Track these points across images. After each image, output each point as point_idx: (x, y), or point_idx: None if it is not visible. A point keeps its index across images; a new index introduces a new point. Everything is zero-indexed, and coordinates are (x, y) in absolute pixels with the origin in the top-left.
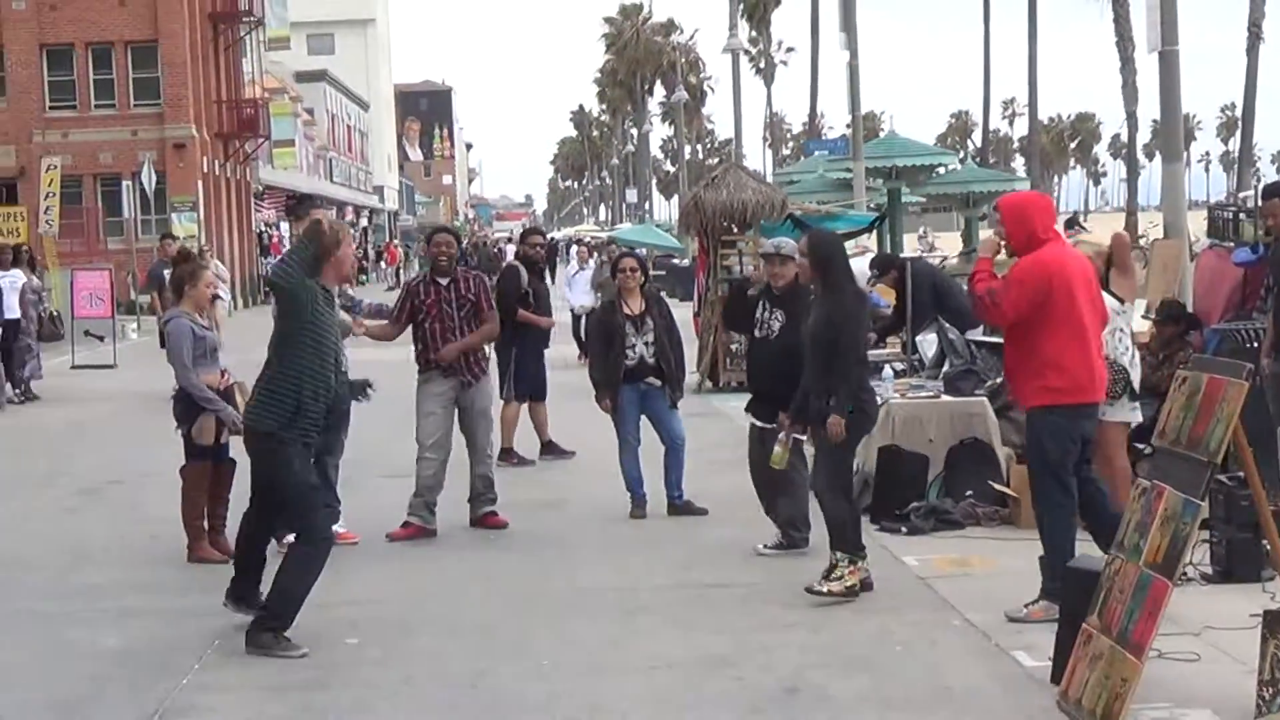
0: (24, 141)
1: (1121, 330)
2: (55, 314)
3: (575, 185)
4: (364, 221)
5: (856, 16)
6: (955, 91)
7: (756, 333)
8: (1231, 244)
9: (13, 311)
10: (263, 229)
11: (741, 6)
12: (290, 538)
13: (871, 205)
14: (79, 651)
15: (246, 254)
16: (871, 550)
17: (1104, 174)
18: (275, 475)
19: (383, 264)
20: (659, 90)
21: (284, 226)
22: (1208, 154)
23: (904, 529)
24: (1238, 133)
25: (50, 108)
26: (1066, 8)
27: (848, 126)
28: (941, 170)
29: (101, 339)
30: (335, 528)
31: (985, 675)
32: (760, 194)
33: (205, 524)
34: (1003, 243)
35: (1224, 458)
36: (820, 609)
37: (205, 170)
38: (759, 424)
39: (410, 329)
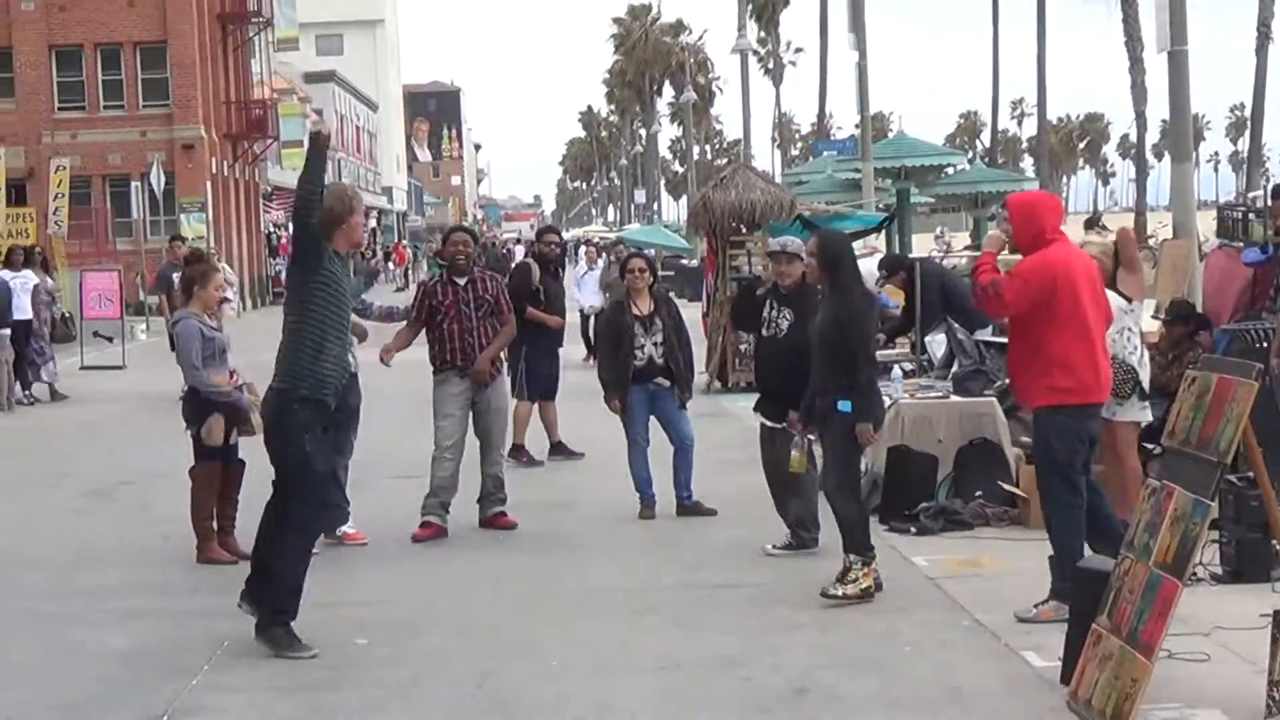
0: (33, 142)
1: (1130, 330)
2: (67, 315)
3: (584, 186)
4: (372, 222)
5: (865, 17)
6: (964, 92)
7: (764, 332)
8: (1241, 244)
9: (24, 312)
10: (271, 230)
11: (750, 7)
12: (342, 529)
13: (880, 206)
14: (87, 652)
15: (255, 255)
16: (880, 551)
17: (1113, 174)
18: (287, 448)
19: (391, 265)
20: (667, 91)
21: (293, 228)
22: (1217, 154)
23: (913, 529)
24: (1247, 133)
25: (59, 109)
26: (1075, 8)
27: (856, 127)
28: (950, 170)
29: (110, 340)
30: (345, 528)
31: (994, 676)
32: (769, 194)
33: (214, 525)
34: (1008, 240)
35: (1234, 458)
36: (829, 609)
37: (214, 171)
38: (768, 424)
39: (423, 329)
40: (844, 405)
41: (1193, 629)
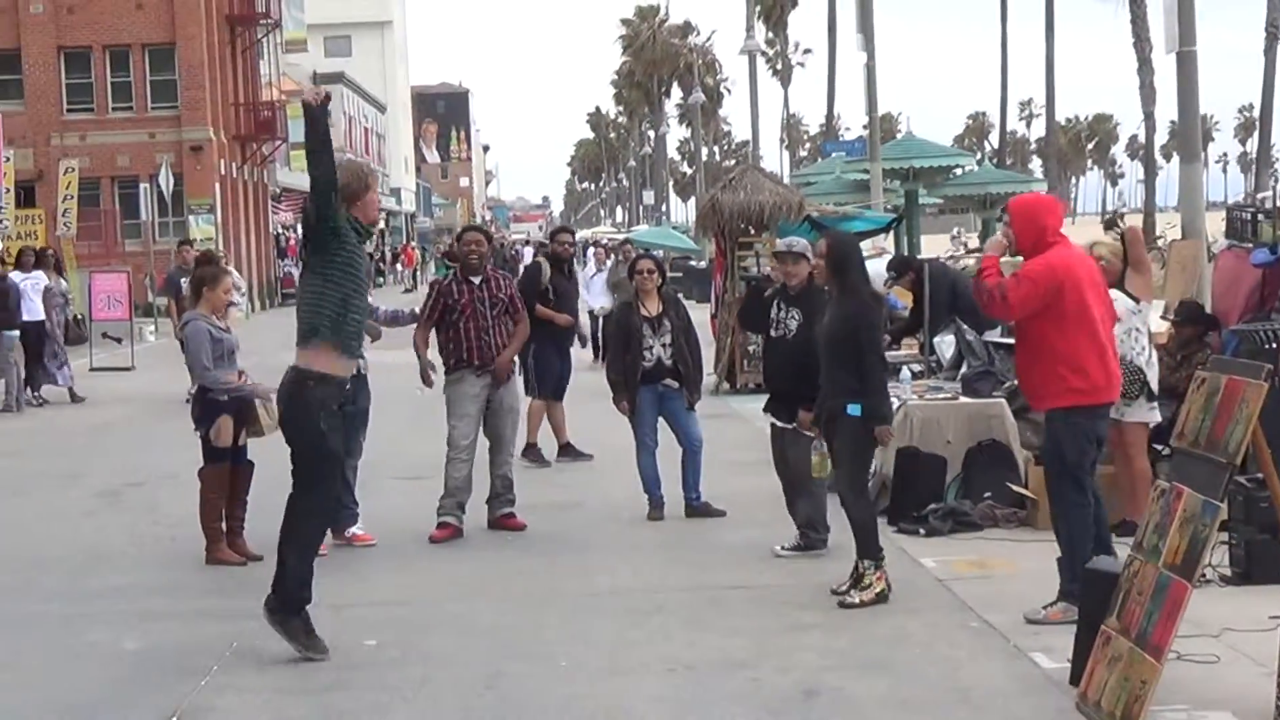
0: (42, 144)
1: (1138, 330)
2: (79, 317)
3: (592, 187)
4: (380, 223)
5: (874, 18)
6: (972, 93)
7: (773, 332)
8: (1250, 245)
9: (36, 314)
10: (280, 231)
11: (758, 8)
12: (351, 530)
13: (888, 206)
14: (98, 653)
15: (264, 256)
16: (889, 552)
17: (1121, 175)
18: (303, 425)
19: (399, 266)
20: (676, 92)
21: (301, 230)
22: (1225, 155)
23: (922, 531)
24: (1255, 134)
25: (68, 110)
26: (1084, 9)
27: (865, 128)
28: (959, 171)
29: (119, 341)
30: (354, 529)
31: (1004, 677)
32: (777, 195)
33: (223, 526)
34: (1010, 244)
35: (1243, 459)
36: (837, 610)
37: (222, 173)
38: (779, 424)
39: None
40: (853, 408)
41: (1202, 630)
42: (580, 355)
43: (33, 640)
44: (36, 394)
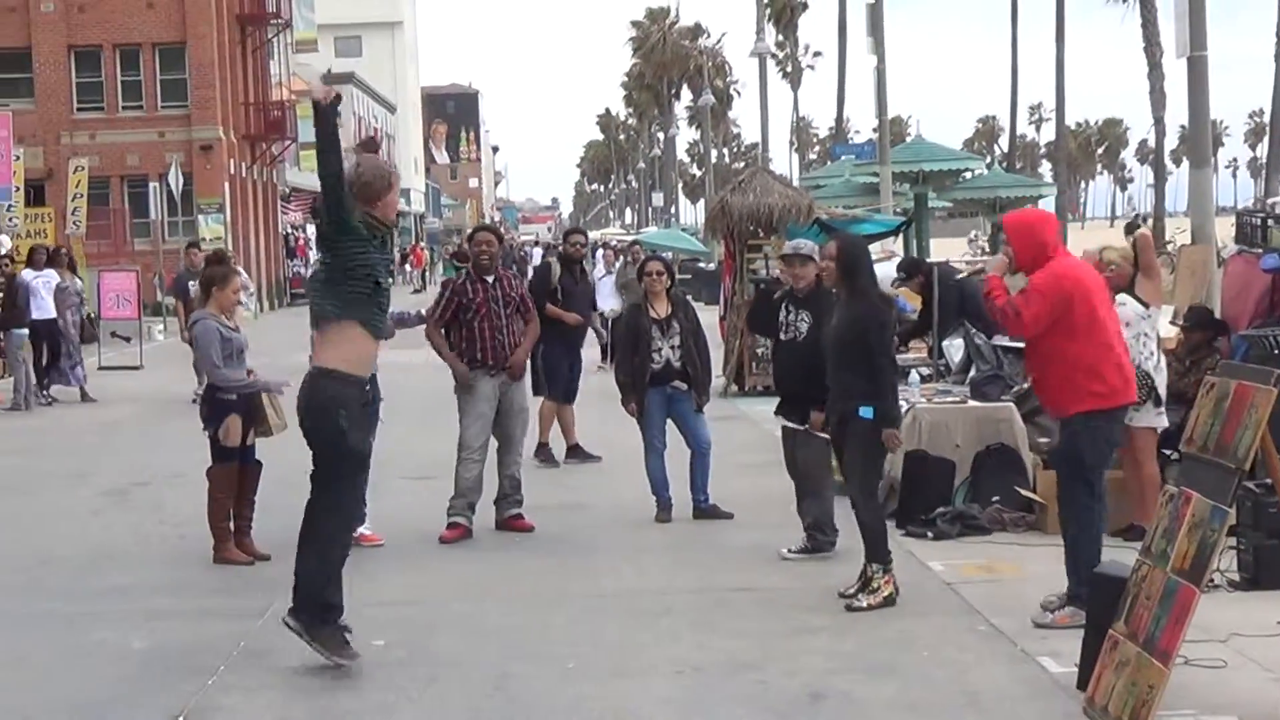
0: (52, 143)
1: (1146, 335)
2: (91, 316)
3: (601, 188)
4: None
5: (884, 21)
6: (982, 96)
7: (782, 335)
8: (1260, 250)
9: (47, 312)
10: (289, 231)
11: (769, 11)
12: (359, 530)
13: (898, 210)
14: (105, 652)
15: (273, 256)
16: (897, 555)
17: (1131, 180)
18: (322, 423)
19: (408, 266)
20: (685, 94)
21: (310, 229)
22: (1235, 160)
23: (930, 534)
24: (1265, 139)
25: (78, 109)
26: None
27: (874, 131)
28: (968, 175)
29: (128, 340)
30: (361, 529)
31: (1011, 681)
32: (786, 198)
33: (231, 526)
34: (1011, 261)
35: (1252, 464)
36: (845, 613)
37: (232, 172)
38: (790, 425)
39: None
40: (865, 411)
41: (1210, 635)
42: (589, 356)
43: (40, 639)
44: (45, 393)
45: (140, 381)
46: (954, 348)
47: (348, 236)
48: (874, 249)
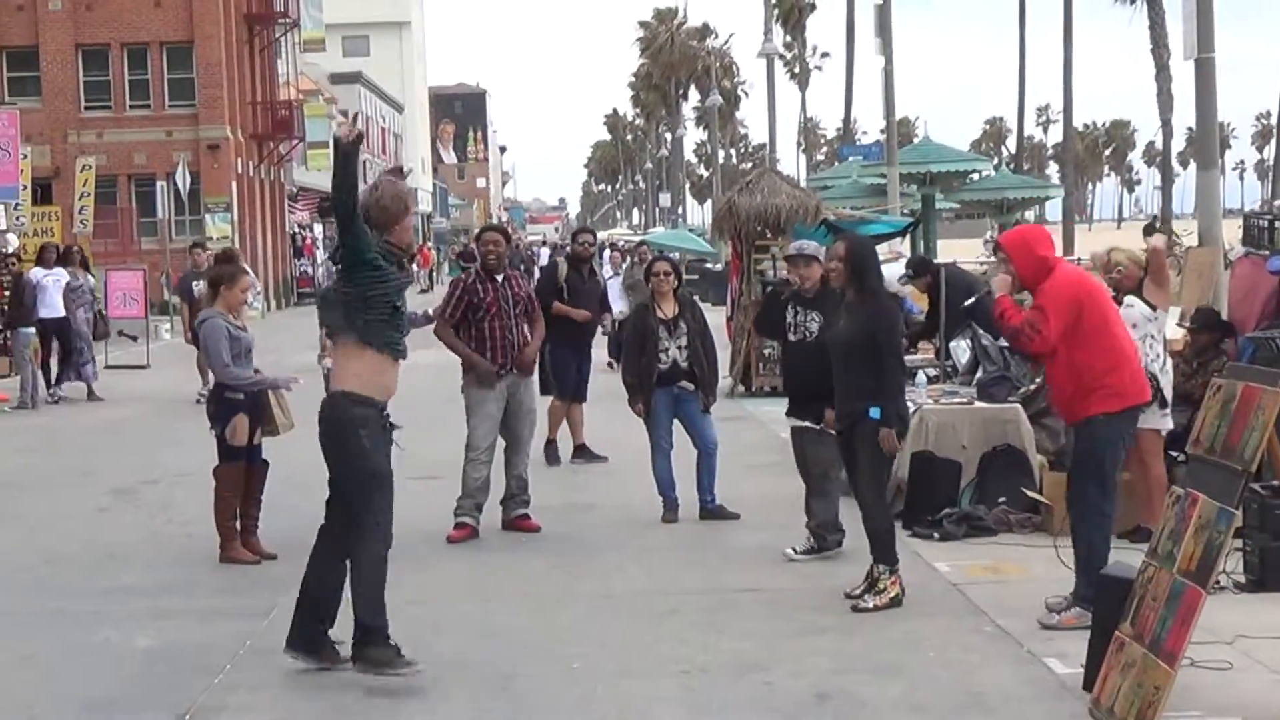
0: (59, 141)
1: (1152, 338)
2: (103, 314)
3: (609, 189)
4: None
5: (892, 22)
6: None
7: (791, 336)
8: (1266, 252)
9: (56, 310)
10: (296, 230)
11: (777, 11)
12: None
13: (905, 211)
14: (111, 650)
15: (280, 256)
16: (904, 556)
17: (1138, 181)
18: (344, 446)
19: (415, 266)
20: (693, 94)
21: (317, 228)
22: (1242, 162)
23: (936, 535)
24: (1273, 141)
25: (85, 108)
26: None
27: (882, 132)
28: (976, 176)
29: (135, 339)
30: None
31: (1017, 682)
32: (794, 199)
33: (238, 525)
34: (1014, 279)
35: (1258, 466)
36: (851, 614)
37: (239, 171)
38: (801, 424)
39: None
40: (874, 412)
41: (1216, 637)
42: (599, 356)
43: (47, 637)
44: (52, 391)
45: (147, 381)
46: (961, 349)
47: (366, 268)
48: (881, 250)
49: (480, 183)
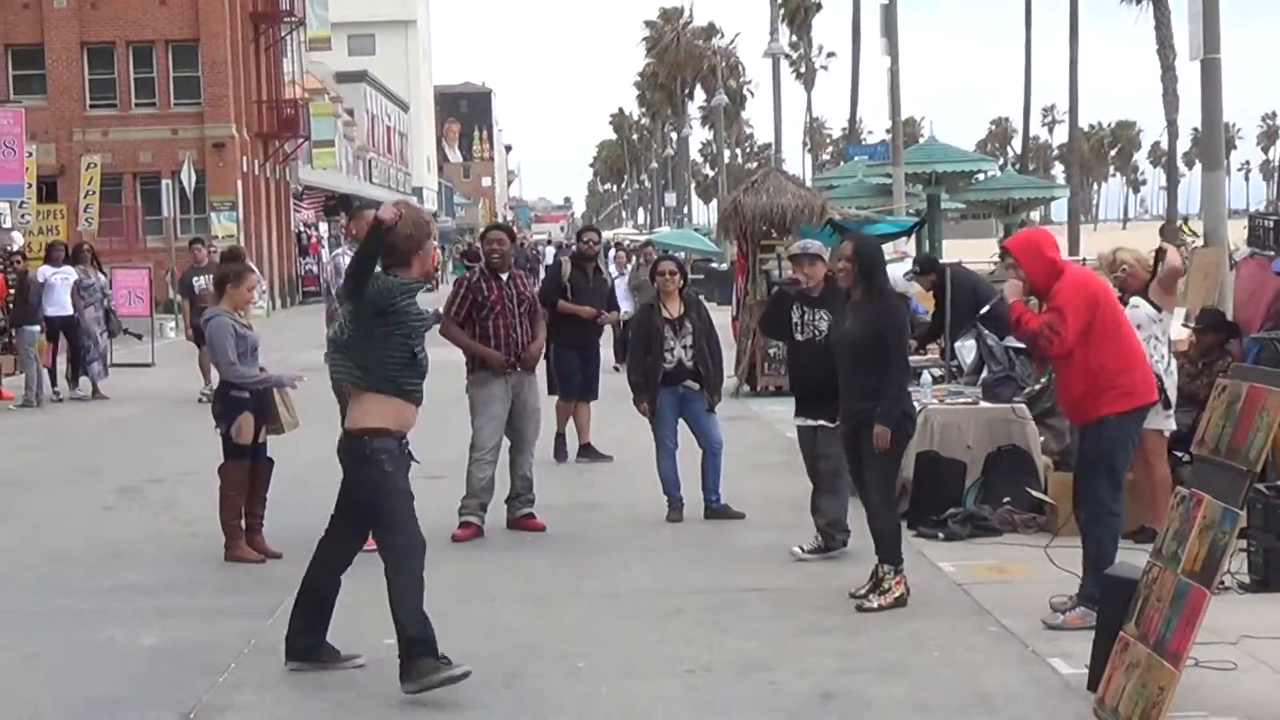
0: (64, 139)
1: (1157, 339)
2: (113, 311)
3: (614, 188)
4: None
5: (898, 22)
6: (995, 98)
7: (799, 336)
8: (1272, 253)
9: (64, 308)
10: (301, 229)
11: (782, 11)
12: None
13: (911, 211)
14: (116, 649)
15: (285, 254)
16: (908, 556)
17: (1143, 182)
18: (366, 472)
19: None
20: (699, 94)
21: (323, 227)
22: (1248, 163)
23: (941, 535)
24: (1278, 142)
25: (91, 106)
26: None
27: (888, 132)
28: (981, 176)
29: (140, 337)
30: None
31: (1021, 682)
32: (800, 198)
33: (243, 524)
34: (1024, 284)
35: (1263, 467)
36: (855, 614)
37: (245, 170)
38: (810, 423)
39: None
40: None
41: (1220, 637)
42: (606, 356)
43: (51, 636)
44: (56, 389)
45: (152, 379)
46: (966, 349)
47: (380, 317)
48: (886, 249)
49: (485, 182)
